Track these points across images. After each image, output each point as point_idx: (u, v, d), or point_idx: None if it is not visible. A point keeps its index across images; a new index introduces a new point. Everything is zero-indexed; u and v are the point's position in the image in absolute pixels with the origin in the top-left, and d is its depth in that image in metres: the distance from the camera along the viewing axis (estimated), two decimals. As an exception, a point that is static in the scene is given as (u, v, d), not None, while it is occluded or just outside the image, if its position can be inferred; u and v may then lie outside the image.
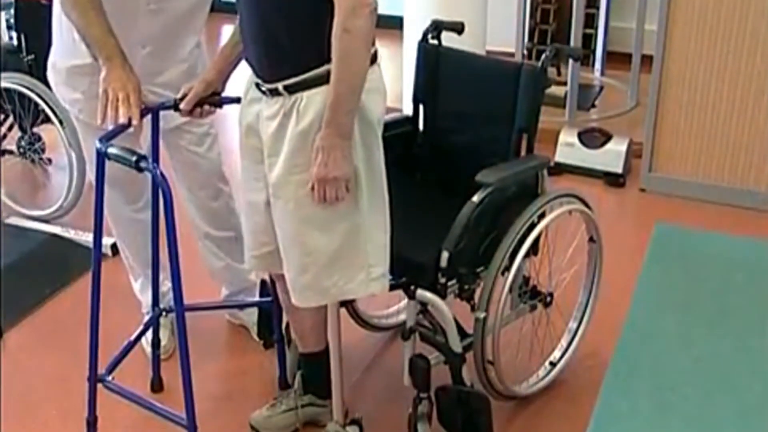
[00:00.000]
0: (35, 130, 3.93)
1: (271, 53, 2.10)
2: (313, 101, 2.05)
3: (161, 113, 2.46)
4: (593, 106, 4.96)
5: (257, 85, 2.17)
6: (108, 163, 2.19)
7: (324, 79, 2.03)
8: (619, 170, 4.18)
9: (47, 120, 3.73)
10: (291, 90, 2.08)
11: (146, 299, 2.92)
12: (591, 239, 2.75)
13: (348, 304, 2.78)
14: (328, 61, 2.01)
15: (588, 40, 5.23)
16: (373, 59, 2.10)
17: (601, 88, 5.18)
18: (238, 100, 2.45)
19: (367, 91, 2.05)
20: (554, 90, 4.53)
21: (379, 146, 2.17)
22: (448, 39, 2.70)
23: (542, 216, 2.50)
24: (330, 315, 2.37)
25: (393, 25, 4.34)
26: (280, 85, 2.09)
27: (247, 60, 2.21)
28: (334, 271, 2.18)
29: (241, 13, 2.14)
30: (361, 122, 2.08)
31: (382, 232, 2.21)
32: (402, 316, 2.95)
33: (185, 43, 2.65)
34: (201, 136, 2.80)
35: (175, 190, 2.83)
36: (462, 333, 2.44)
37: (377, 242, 2.20)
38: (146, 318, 2.86)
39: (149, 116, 2.42)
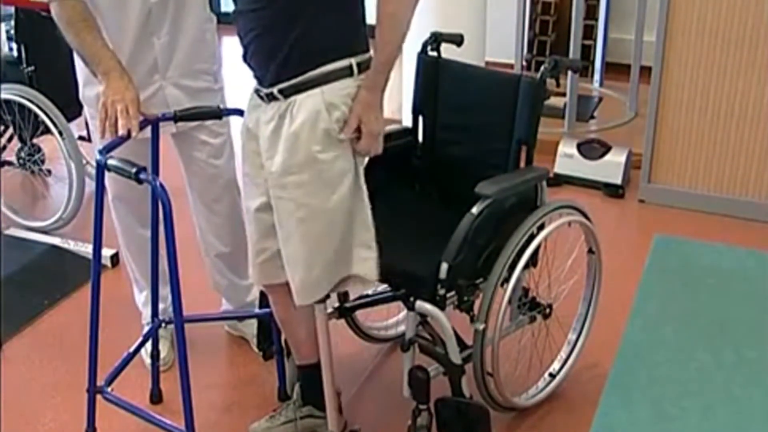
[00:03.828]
0: (35, 141, 3.93)
1: (272, 60, 2.13)
2: (305, 104, 2.12)
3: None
4: (592, 117, 4.96)
5: (256, 92, 2.24)
6: (117, 182, 2.19)
7: (316, 82, 2.11)
8: (619, 181, 4.18)
9: (47, 131, 3.74)
10: (286, 93, 2.14)
11: (148, 311, 2.91)
12: (590, 251, 2.75)
13: (347, 315, 2.78)
14: (321, 64, 2.10)
15: (587, 52, 5.24)
16: (368, 68, 2.15)
17: (600, 99, 5.18)
18: (237, 112, 2.46)
19: None
20: (553, 101, 4.53)
21: None
22: (448, 51, 2.70)
23: (541, 227, 2.50)
24: (318, 324, 2.36)
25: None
26: (275, 90, 2.15)
27: (249, 66, 2.23)
28: (337, 262, 2.22)
29: (240, 24, 2.17)
30: None
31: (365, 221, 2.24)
32: (401, 328, 2.95)
33: (195, 19, 2.60)
34: (219, 147, 2.77)
35: (187, 205, 2.85)
36: (461, 344, 2.43)
37: (365, 223, 2.24)
38: (146, 329, 2.86)
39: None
